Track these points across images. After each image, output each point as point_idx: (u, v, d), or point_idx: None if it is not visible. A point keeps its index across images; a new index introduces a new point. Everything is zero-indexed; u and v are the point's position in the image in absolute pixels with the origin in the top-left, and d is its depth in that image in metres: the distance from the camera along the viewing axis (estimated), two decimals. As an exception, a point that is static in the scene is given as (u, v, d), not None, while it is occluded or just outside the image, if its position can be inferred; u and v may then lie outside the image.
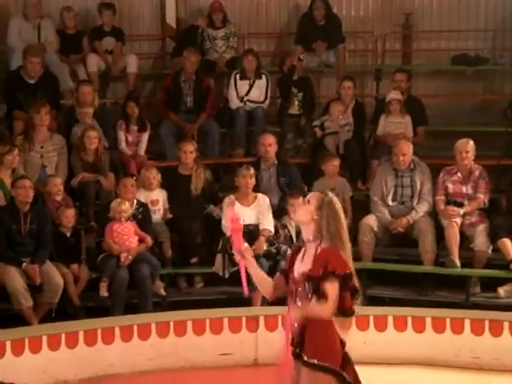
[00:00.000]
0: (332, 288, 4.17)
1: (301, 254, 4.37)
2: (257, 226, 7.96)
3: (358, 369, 6.67)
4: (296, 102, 9.52)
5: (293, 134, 9.47)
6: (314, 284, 4.22)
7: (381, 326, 6.89)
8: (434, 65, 10.72)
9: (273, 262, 7.87)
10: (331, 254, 4.21)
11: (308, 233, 4.34)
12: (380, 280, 7.95)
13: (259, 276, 4.51)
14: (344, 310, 4.27)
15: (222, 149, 9.48)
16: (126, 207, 7.68)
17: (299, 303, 4.29)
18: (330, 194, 4.41)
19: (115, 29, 10.07)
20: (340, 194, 8.34)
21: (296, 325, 4.32)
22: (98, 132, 8.42)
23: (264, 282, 4.51)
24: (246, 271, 4.46)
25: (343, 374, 4.24)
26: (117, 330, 6.86)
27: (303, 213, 4.36)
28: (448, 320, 6.88)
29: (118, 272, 7.51)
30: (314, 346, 4.23)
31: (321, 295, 4.19)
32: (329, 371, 4.21)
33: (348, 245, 4.30)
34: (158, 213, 8.18)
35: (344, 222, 4.33)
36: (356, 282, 4.27)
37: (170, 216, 8.21)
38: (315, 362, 4.23)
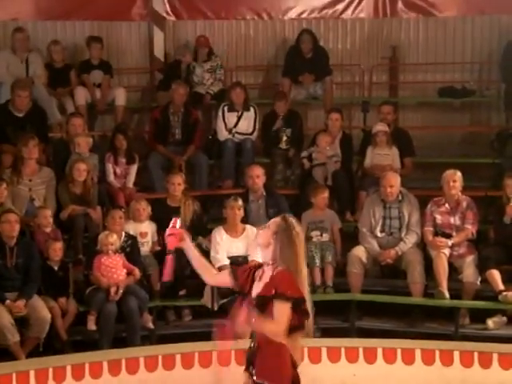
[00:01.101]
0: (280, 308, 4.27)
1: (259, 276, 4.48)
2: (245, 258, 7.97)
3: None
4: (284, 138, 9.57)
5: (282, 164, 9.52)
6: (263, 304, 4.33)
7: (370, 358, 6.88)
8: (420, 97, 10.84)
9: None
10: (283, 277, 4.33)
11: (266, 256, 4.47)
12: (369, 312, 7.96)
13: (198, 260, 4.72)
14: (294, 327, 4.34)
15: (210, 180, 9.52)
16: (114, 239, 7.68)
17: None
18: (290, 220, 4.50)
19: (103, 62, 10.15)
20: (329, 226, 8.41)
21: (251, 345, 4.44)
22: (89, 164, 8.43)
23: (204, 268, 4.72)
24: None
25: None
26: (105, 365, 6.81)
27: (261, 237, 4.52)
28: (437, 352, 6.89)
29: (106, 305, 7.49)
30: (265, 366, 4.33)
31: (268, 315, 4.29)
32: None
33: (303, 270, 4.40)
34: (147, 245, 8.18)
35: (300, 248, 4.43)
36: (308, 307, 4.35)
37: (158, 248, 8.21)
38: (263, 382, 4.33)
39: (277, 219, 4.52)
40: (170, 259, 4.81)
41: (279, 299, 4.26)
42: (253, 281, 4.49)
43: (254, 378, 4.38)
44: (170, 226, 4.76)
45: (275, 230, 4.44)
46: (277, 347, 4.32)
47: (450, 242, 7.97)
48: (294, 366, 4.39)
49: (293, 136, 9.60)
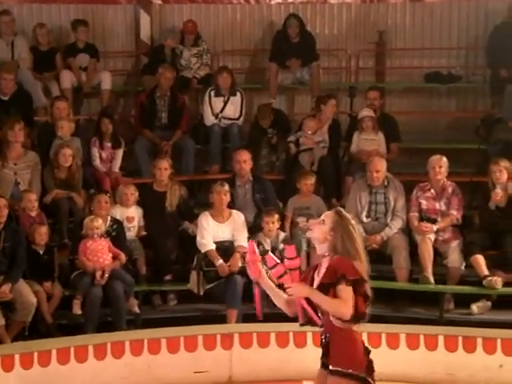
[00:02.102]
0: (344, 290, 4.27)
1: (317, 271, 4.47)
2: (232, 243, 7.97)
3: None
4: (271, 137, 9.53)
5: (267, 150, 9.50)
6: (325, 291, 4.33)
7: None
8: (407, 82, 10.84)
9: (247, 278, 7.85)
10: (341, 262, 4.34)
11: (322, 249, 4.47)
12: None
13: (278, 297, 4.58)
14: (356, 316, 4.34)
15: (197, 165, 9.49)
16: (100, 224, 7.66)
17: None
18: (344, 213, 4.51)
19: (89, 45, 10.08)
20: (315, 212, 8.42)
21: (322, 337, 4.43)
22: (73, 149, 8.39)
23: (280, 299, 4.59)
24: (261, 295, 4.48)
25: (369, 379, 4.31)
26: (90, 349, 6.81)
27: (318, 233, 4.47)
28: (422, 336, 6.92)
29: (92, 289, 7.47)
30: (338, 354, 4.35)
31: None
32: (353, 377, 4.30)
33: (363, 257, 4.40)
34: (133, 230, 8.17)
35: (358, 238, 4.43)
36: (368, 288, 4.35)
37: (144, 233, 8.20)
38: (339, 369, 4.33)
39: (331, 214, 4.49)
40: (258, 293, 4.57)
41: (340, 283, 4.27)
42: (313, 279, 4.49)
43: (330, 366, 4.38)
44: (249, 250, 4.56)
45: (332, 225, 4.42)
46: (348, 334, 4.34)
47: (435, 228, 8.00)
48: (367, 351, 4.41)
49: (279, 133, 9.55)
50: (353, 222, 4.47)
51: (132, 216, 8.18)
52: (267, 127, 9.54)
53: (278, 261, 4.48)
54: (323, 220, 4.49)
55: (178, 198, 8.34)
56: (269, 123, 9.55)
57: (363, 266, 4.37)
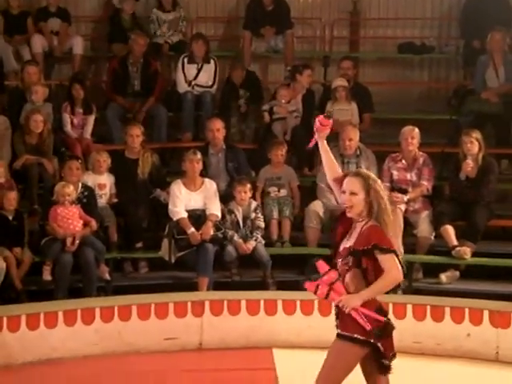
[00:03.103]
0: (389, 259, 4.25)
1: (349, 233, 4.43)
2: (203, 211, 7.95)
3: (303, 353, 6.83)
4: (242, 100, 9.47)
5: (236, 118, 9.44)
6: (356, 258, 4.31)
7: (325, 310, 6.93)
8: (380, 52, 10.81)
9: (219, 246, 7.88)
10: (375, 231, 4.30)
11: (356, 215, 4.40)
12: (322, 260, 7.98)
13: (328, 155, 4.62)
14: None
15: (169, 133, 9.41)
16: (71, 190, 7.59)
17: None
18: (367, 173, 4.45)
19: (61, 9, 9.93)
20: (287, 183, 8.42)
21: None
22: (45, 115, 8.29)
23: (332, 163, 4.62)
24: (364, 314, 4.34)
25: (376, 344, 4.28)
26: (60, 314, 6.79)
27: (357, 208, 4.37)
28: (391, 305, 6.96)
29: (62, 256, 7.43)
30: (347, 319, 4.32)
31: (362, 269, 4.30)
32: (357, 342, 4.28)
33: (394, 224, 4.40)
34: (105, 197, 8.11)
35: (385, 201, 4.37)
36: (401, 261, 4.33)
37: (115, 200, 8.15)
38: (345, 333, 4.32)
39: (356, 180, 4.38)
40: (358, 315, 4.34)
41: (383, 252, 4.25)
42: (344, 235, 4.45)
43: (339, 330, 4.37)
44: (322, 275, 4.46)
45: (364, 190, 4.35)
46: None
47: (405, 198, 8.03)
48: (383, 314, 4.36)
49: (251, 97, 9.50)
50: (378, 181, 4.43)
51: (104, 183, 8.11)
52: (239, 85, 9.45)
53: (328, 267, 4.45)
54: (352, 192, 4.38)
55: (150, 165, 8.28)
56: (240, 80, 9.47)
57: (392, 233, 4.33)
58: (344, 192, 4.42)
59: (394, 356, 4.41)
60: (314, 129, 4.58)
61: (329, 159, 4.61)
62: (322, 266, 4.47)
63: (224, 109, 9.45)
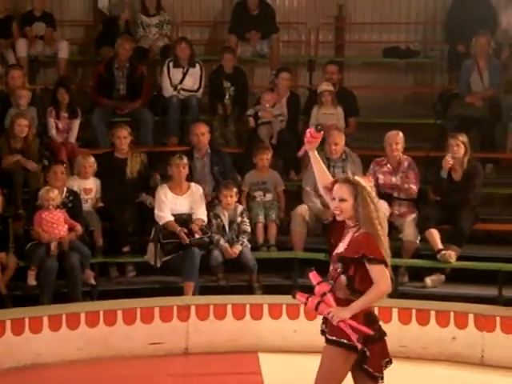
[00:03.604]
0: (378, 270, 4.27)
1: (343, 238, 4.44)
2: (190, 216, 7.93)
3: (289, 357, 6.82)
4: (227, 96, 9.48)
5: (218, 122, 9.43)
6: (345, 265, 4.33)
7: (310, 315, 6.93)
8: (365, 57, 10.84)
9: (205, 251, 7.86)
10: (366, 240, 4.31)
11: (349, 220, 4.42)
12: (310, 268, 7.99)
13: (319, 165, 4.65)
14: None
15: (155, 137, 9.39)
16: (55, 195, 7.56)
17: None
18: (357, 180, 4.45)
19: (46, 14, 9.91)
20: (272, 187, 8.41)
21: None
22: (29, 119, 8.25)
23: (323, 172, 4.65)
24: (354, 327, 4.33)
25: (363, 348, 4.27)
26: (45, 320, 6.76)
27: (346, 213, 4.39)
28: (376, 309, 6.97)
29: (47, 261, 7.39)
30: (333, 324, 4.32)
31: (348, 277, 4.31)
32: (346, 347, 4.28)
33: (382, 232, 4.35)
34: (90, 201, 8.09)
35: (378, 212, 4.38)
36: (389, 270, 4.34)
37: (101, 204, 8.11)
38: (334, 338, 4.32)
39: (345, 186, 4.39)
40: (349, 329, 4.31)
41: (372, 263, 4.27)
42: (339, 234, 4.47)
43: (327, 335, 4.38)
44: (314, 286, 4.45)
45: (353, 196, 4.37)
46: (346, 304, 4.33)
47: (387, 212, 7.96)
48: (373, 321, 4.36)
49: (236, 94, 9.51)
50: (369, 189, 4.43)
51: (90, 187, 8.09)
52: (228, 73, 9.44)
53: (320, 278, 4.45)
54: (342, 198, 4.39)
55: (139, 164, 8.25)
56: (230, 69, 9.46)
57: (383, 242, 4.33)
58: (334, 199, 4.44)
59: (389, 362, 4.41)
60: (305, 140, 4.60)
61: (320, 169, 4.64)
62: (314, 276, 4.47)
63: (211, 103, 9.41)
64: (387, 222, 7.87)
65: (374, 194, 4.46)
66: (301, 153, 4.73)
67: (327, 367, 4.34)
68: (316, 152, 4.64)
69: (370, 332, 4.29)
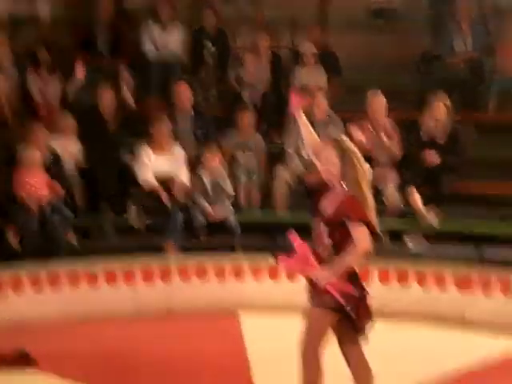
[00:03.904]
0: (360, 232, 4.27)
1: (330, 199, 4.41)
2: (171, 176, 7.91)
3: (270, 316, 6.86)
4: (209, 57, 9.40)
5: (201, 82, 9.35)
6: (330, 227, 4.33)
7: (293, 275, 6.96)
8: (349, 17, 10.73)
9: (188, 213, 7.84)
10: (350, 202, 4.31)
11: (335, 182, 4.41)
12: (293, 230, 8.00)
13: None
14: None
15: (136, 97, 9.29)
16: (36, 155, 7.49)
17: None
18: (344, 141, 4.43)
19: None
20: (254, 148, 8.38)
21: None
22: (9, 78, 8.15)
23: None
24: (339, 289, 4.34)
25: (346, 308, 4.30)
26: (25, 280, 6.75)
27: (332, 175, 4.39)
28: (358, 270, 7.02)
29: (28, 221, 7.35)
30: (316, 285, 4.33)
31: (335, 240, 4.31)
32: (330, 308, 4.30)
33: (368, 194, 4.34)
34: (71, 162, 8.01)
35: (363, 173, 4.36)
36: (376, 229, 4.34)
37: (82, 166, 8.05)
38: (320, 301, 4.33)
39: (331, 149, 4.38)
40: (335, 291, 4.32)
41: (356, 224, 4.27)
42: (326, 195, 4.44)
43: (312, 298, 4.38)
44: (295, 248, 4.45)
45: (338, 158, 4.35)
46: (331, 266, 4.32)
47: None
48: (355, 280, 4.37)
49: (218, 55, 9.44)
50: (355, 150, 4.39)
51: (70, 147, 8.01)
52: (210, 33, 9.38)
53: (301, 240, 4.45)
54: (328, 160, 4.38)
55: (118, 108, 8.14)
56: (212, 29, 9.39)
57: (368, 203, 4.33)
58: (321, 160, 4.44)
59: (371, 322, 4.44)
60: (291, 103, 4.62)
61: (307, 132, 4.64)
62: (295, 238, 4.47)
63: (193, 63, 9.35)
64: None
65: (360, 155, 4.43)
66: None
67: (311, 328, 4.36)
68: (303, 115, 4.64)
69: (355, 292, 4.31)
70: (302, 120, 4.65)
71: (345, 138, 4.55)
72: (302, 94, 4.66)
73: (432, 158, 7.95)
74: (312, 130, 4.68)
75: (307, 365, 4.38)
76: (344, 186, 4.37)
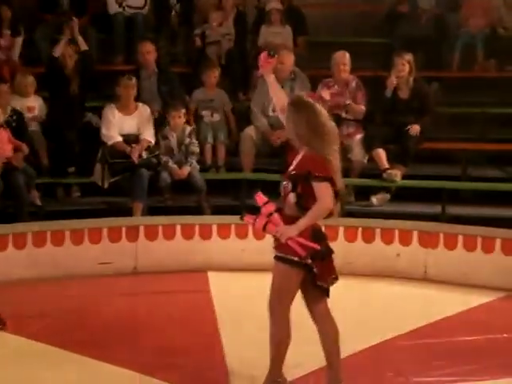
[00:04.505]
0: (321, 187, 4.27)
1: (296, 158, 4.43)
2: (137, 137, 7.83)
3: (238, 275, 6.89)
4: (173, 13, 9.28)
5: (166, 40, 9.24)
6: (293, 183, 4.35)
7: (259, 234, 6.96)
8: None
9: (153, 171, 7.80)
10: (311, 158, 4.31)
11: (296, 140, 4.41)
12: (260, 189, 7.99)
13: None
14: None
15: (100, 56, 9.15)
16: (-1, 114, 7.37)
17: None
18: (300, 99, 4.41)
19: None
20: (220, 106, 8.32)
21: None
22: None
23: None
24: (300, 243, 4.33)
25: (308, 264, 4.31)
26: (-9, 240, 6.69)
27: (289, 134, 4.42)
28: (323, 228, 7.05)
29: (-8, 180, 7.27)
30: (281, 242, 4.34)
31: (297, 194, 4.33)
32: (293, 263, 4.31)
33: (329, 151, 4.32)
34: (34, 120, 7.89)
35: (325, 127, 4.33)
36: (339, 186, 4.36)
37: (45, 124, 7.92)
38: (280, 255, 4.36)
39: (289, 105, 4.39)
40: (296, 244, 4.34)
41: (317, 180, 4.26)
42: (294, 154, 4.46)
43: (276, 252, 4.39)
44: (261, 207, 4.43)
45: (291, 118, 4.36)
46: (293, 221, 4.33)
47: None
48: (320, 238, 4.38)
49: (183, 11, 9.31)
50: (315, 107, 4.35)
51: (32, 105, 7.90)
52: None
53: (266, 199, 4.45)
54: (286, 119, 4.41)
55: (78, 60, 8.02)
56: None
57: (334, 160, 4.33)
58: (284, 119, 4.46)
59: (335, 279, 4.47)
60: (259, 64, 4.61)
61: (277, 91, 4.63)
62: (260, 198, 4.48)
63: (157, 20, 9.23)
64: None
65: (323, 111, 4.39)
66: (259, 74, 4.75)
67: (278, 285, 4.39)
68: (272, 76, 4.63)
69: (317, 247, 4.33)
70: (271, 80, 4.64)
71: (303, 94, 4.55)
72: (270, 56, 4.60)
73: (392, 84, 7.91)
74: (281, 89, 4.65)
75: (276, 322, 4.42)
76: (304, 143, 4.36)
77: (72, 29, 8.19)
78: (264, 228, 4.40)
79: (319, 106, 4.41)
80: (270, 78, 4.65)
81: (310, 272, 4.35)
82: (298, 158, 4.40)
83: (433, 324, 5.96)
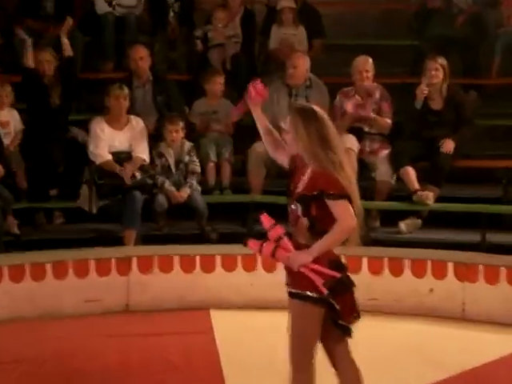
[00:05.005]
0: (335, 205, 4.24)
1: (303, 176, 4.40)
2: (129, 154, 7.87)
3: (244, 314, 6.87)
4: (172, 13, 9.35)
5: (161, 44, 9.32)
6: (305, 206, 4.32)
7: (270, 266, 6.97)
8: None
9: (148, 194, 7.82)
10: (321, 175, 4.28)
11: (303, 156, 4.40)
12: (270, 214, 7.98)
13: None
14: None
15: (86, 62, 9.23)
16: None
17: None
18: (304, 108, 4.40)
19: None
20: (224, 118, 8.34)
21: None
22: None
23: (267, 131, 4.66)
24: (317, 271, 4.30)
25: (330, 300, 4.28)
26: (-37, 274, 6.73)
27: (292, 148, 4.41)
28: (343, 258, 7.02)
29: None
30: (297, 275, 4.31)
31: (311, 217, 4.30)
32: (310, 300, 4.27)
33: (339, 168, 4.30)
34: (9, 137, 7.95)
35: (327, 143, 4.31)
36: (356, 207, 4.32)
37: (23, 141, 7.96)
38: (297, 291, 4.32)
39: (289, 119, 4.38)
40: (313, 274, 4.30)
41: (332, 198, 4.24)
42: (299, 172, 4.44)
43: (290, 288, 4.36)
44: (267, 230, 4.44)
45: (293, 130, 4.34)
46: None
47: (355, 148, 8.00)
48: (340, 268, 4.36)
49: (182, 11, 9.41)
50: (320, 116, 4.34)
51: (6, 120, 7.95)
52: None
53: (273, 221, 4.44)
54: (287, 130, 4.40)
55: (59, 67, 8.08)
56: None
57: (346, 175, 4.30)
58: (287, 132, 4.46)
59: (357, 317, 4.42)
60: (248, 95, 4.53)
61: (266, 128, 4.60)
62: (266, 220, 4.45)
63: (153, 21, 9.37)
64: (358, 160, 7.97)
65: (328, 122, 4.36)
66: (237, 111, 4.73)
67: (300, 329, 4.34)
68: (260, 111, 4.58)
69: (337, 275, 4.29)
70: (257, 114, 4.58)
71: (303, 103, 4.54)
72: (263, 86, 4.52)
73: (422, 94, 7.92)
74: (270, 126, 4.62)
75: (299, 378, 4.36)
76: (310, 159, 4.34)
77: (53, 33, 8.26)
78: (272, 254, 4.38)
79: (327, 117, 4.40)
80: (257, 112, 4.60)
81: (330, 309, 4.32)
82: (306, 175, 4.38)
83: (474, 371, 5.91)
